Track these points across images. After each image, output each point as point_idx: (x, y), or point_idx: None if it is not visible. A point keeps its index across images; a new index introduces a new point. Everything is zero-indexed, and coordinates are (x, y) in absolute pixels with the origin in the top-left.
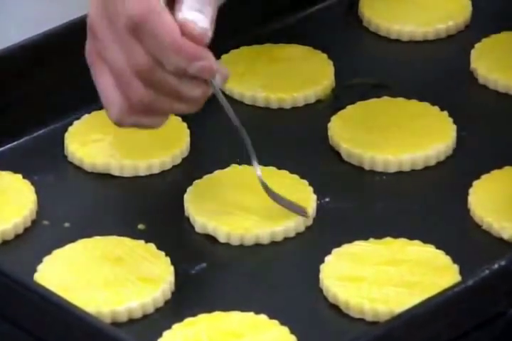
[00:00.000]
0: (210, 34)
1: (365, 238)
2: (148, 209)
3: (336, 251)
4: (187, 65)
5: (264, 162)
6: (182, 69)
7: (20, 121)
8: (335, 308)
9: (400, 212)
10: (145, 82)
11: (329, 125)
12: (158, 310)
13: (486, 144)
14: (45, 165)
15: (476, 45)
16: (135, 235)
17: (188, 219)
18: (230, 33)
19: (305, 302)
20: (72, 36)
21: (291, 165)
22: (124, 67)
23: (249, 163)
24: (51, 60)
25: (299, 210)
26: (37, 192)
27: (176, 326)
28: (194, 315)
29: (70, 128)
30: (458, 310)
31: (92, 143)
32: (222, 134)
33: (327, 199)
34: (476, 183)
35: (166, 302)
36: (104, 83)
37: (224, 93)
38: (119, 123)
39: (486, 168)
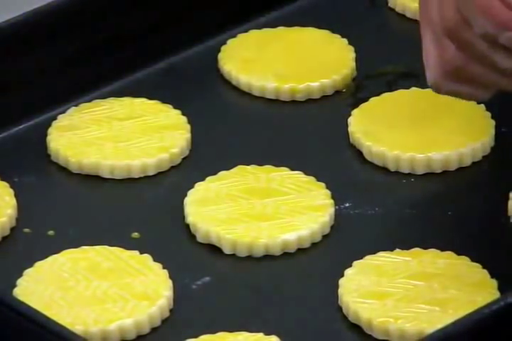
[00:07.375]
0: None
1: (391, 249)
2: (143, 215)
3: (357, 263)
4: (497, 32)
5: (275, 162)
6: (491, 35)
7: None
8: (356, 328)
9: (429, 219)
10: (454, 42)
11: (349, 120)
12: (154, 329)
13: None
14: (26, 164)
15: None
16: (128, 245)
17: (188, 226)
18: (237, 15)
19: (322, 321)
20: (60, 20)
21: (305, 165)
22: (437, 22)
23: (259, 163)
24: (31, 46)
25: None
26: (16, 196)
27: None
28: (195, 335)
29: (54, 123)
30: (496, 330)
31: (78, 141)
32: (228, 131)
33: (347, 205)
34: None
35: (164, 321)
36: (425, 41)
37: (231, 83)
38: (436, 88)
39: None
